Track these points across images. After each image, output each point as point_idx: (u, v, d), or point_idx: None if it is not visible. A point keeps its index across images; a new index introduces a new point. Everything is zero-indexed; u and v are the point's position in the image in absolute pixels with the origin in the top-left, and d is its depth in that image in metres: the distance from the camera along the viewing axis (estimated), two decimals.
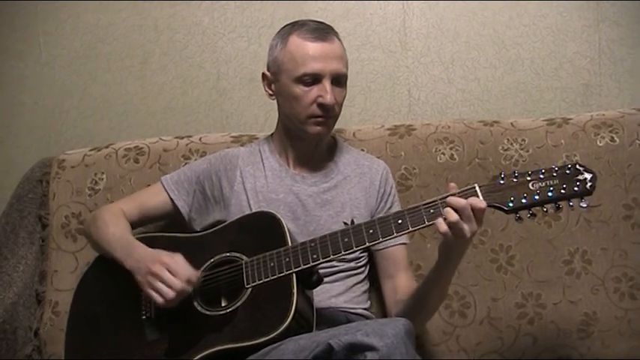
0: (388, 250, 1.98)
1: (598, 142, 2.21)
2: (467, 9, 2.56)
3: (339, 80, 1.89)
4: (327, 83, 1.86)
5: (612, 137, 2.21)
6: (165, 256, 1.75)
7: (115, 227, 1.94)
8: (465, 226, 1.59)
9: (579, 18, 2.54)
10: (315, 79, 1.86)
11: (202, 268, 1.82)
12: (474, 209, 1.59)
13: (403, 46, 2.58)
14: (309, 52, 1.86)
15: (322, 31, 1.89)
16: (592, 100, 2.56)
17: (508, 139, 2.23)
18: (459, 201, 1.60)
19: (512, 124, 2.28)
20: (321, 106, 1.87)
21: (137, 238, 1.93)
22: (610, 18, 2.53)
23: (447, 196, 1.63)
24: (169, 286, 1.70)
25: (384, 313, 2.04)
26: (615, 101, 2.54)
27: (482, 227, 1.65)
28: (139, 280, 1.77)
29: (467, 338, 2.14)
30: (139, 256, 1.81)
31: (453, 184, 1.66)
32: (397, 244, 1.98)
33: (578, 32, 2.55)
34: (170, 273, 1.71)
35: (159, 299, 1.71)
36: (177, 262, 1.73)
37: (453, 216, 1.59)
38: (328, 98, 1.85)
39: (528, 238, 2.17)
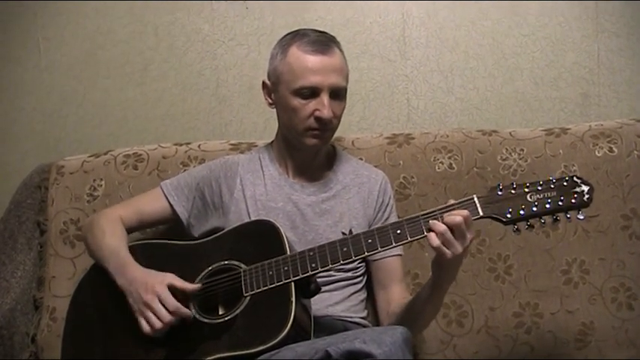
0: (383, 261, 1.99)
1: (596, 153, 2.21)
2: (466, 19, 2.57)
3: (337, 93, 1.89)
4: (325, 97, 1.85)
5: (610, 147, 2.21)
6: (157, 284, 1.75)
7: (110, 237, 1.93)
8: (457, 243, 1.60)
9: (578, 28, 2.55)
10: (313, 92, 1.86)
11: (200, 276, 1.82)
12: (466, 222, 1.60)
13: (402, 55, 2.59)
14: (308, 65, 1.85)
15: (322, 44, 1.88)
16: (590, 111, 2.57)
17: (507, 149, 2.24)
18: (453, 218, 1.60)
19: (510, 133, 2.29)
20: (318, 119, 1.86)
21: (135, 246, 1.94)
22: (609, 29, 2.54)
23: (446, 207, 1.64)
24: (159, 318, 1.72)
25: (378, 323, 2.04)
26: (614, 111, 2.55)
27: (473, 235, 1.65)
28: (130, 302, 1.78)
29: (464, 347, 2.14)
30: (131, 277, 1.81)
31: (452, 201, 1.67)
32: (392, 255, 1.98)
33: (577, 42, 2.55)
34: (160, 303, 1.72)
35: (146, 328, 1.73)
36: (171, 286, 1.74)
37: (440, 227, 1.60)
38: (325, 112, 1.85)
39: (526, 248, 2.18)
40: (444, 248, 1.61)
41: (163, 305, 1.72)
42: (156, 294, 1.73)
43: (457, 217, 1.60)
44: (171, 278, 1.76)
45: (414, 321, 1.82)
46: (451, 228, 1.60)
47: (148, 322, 1.73)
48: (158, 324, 1.71)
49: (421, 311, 1.81)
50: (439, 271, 1.69)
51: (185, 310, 1.73)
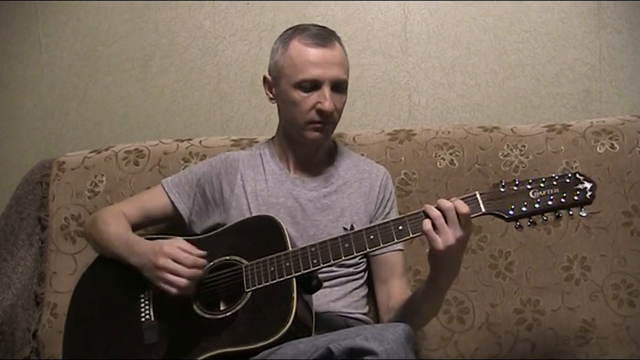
0: (384, 256, 1.98)
1: (598, 149, 2.21)
2: (468, 14, 2.57)
3: (338, 86, 1.89)
4: (326, 89, 1.85)
5: (612, 144, 2.21)
6: (166, 245, 1.74)
7: (115, 226, 1.94)
8: (449, 230, 1.60)
9: (580, 24, 2.55)
10: (314, 85, 1.86)
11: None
12: (457, 213, 1.60)
13: (404, 51, 2.59)
14: (309, 58, 1.85)
15: (323, 37, 1.88)
16: (592, 107, 2.56)
17: (508, 145, 2.23)
18: (445, 202, 1.61)
19: (512, 130, 2.28)
20: (319, 112, 1.86)
21: None
22: (611, 25, 2.54)
23: None
24: (179, 275, 1.70)
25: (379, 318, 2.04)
26: (615, 108, 2.55)
27: (470, 231, 1.64)
28: (148, 276, 1.78)
29: (465, 344, 2.14)
30: (140, 251, 1.80)
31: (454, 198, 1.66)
32: (393, 250, 1.98)
33: (579, 39, 2.55)
34: (175, 262, 1.71)
35: (172, 290, 1.71)
36: (180, 248, 1.73)
37: (434, 212, 1.60)
38: (327, 105, 1.84)
39: (527, 244, 2.18)
40: (434, 234, 1.60)
41: (179, 263, 1.70)
42: (168, 255, 1.72)
43: (448, 202, 1.60)
44: (179, 241, 1.76)
45: (413, 317, 1.81)
46: (443, 213, 1.60)
47: (170, 283, 1.70)
48: (181, 281, 1.69)
49: (419, 307, 1.81)
50: (433, 263, 1.69)
51: (202, 261, 1.72)
